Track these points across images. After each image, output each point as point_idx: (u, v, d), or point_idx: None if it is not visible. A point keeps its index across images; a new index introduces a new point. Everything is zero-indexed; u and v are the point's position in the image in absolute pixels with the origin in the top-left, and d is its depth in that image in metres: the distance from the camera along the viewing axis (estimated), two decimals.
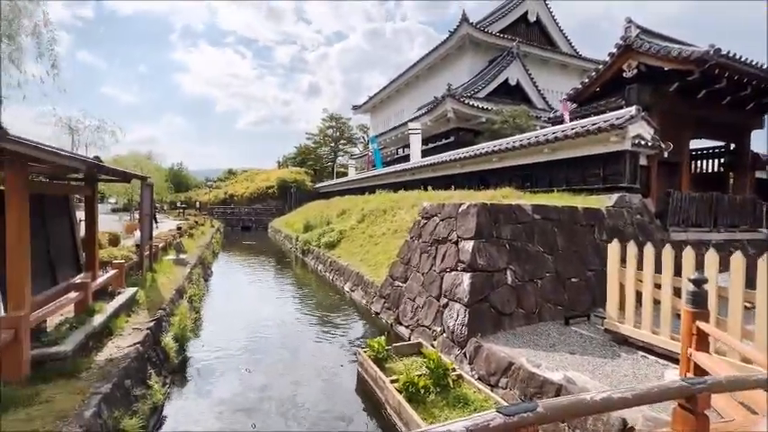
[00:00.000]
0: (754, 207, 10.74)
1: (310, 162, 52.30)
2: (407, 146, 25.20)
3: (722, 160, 13.73)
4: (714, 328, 4.41)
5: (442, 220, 8.12)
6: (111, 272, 7.15)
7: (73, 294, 5.47)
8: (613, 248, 5.94)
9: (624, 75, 10.92)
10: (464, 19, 23.34)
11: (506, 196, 10.17)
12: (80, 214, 7.37)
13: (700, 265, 4.91)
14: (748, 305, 4.59)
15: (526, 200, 8.94)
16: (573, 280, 7.50)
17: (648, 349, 5.46)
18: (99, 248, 7.46)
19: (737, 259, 4.61)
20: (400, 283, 8.81)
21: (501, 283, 6.76)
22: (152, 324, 6.13)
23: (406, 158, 25.20)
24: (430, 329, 7.01)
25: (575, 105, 13.08)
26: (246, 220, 41.60)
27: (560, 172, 10.82)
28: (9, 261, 3.99)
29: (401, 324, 8.07)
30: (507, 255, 7.05)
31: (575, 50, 28.34)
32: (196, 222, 24.84)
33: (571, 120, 12.37)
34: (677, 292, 5.23)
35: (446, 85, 21.37)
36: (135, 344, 5.25)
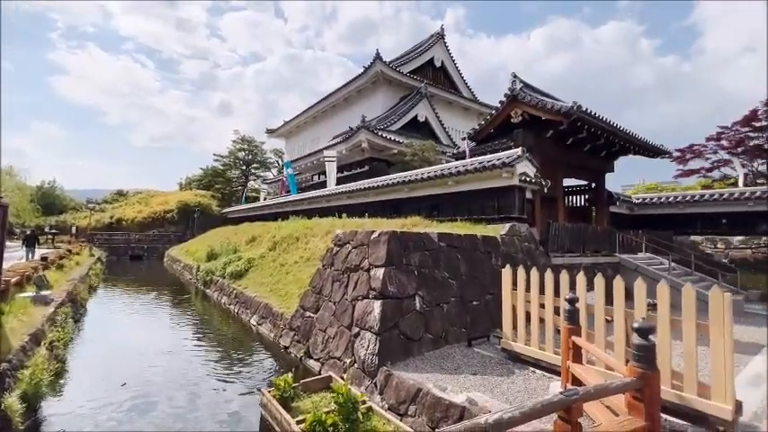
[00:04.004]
0: (610, 236, 13.05)
1: (218, 185, 48.72)
2: (323, 173, 25.19)
3: (586, 197, 16.53)
4: (584, 341, 5.10)
5: (355, 248, 8.15)
6: None
7: None
8: (506, 273, 6.58)
9: (512, 120, 12.61)
10: (377, 57, 24.78)
11: (416, 224, 10.69)
12: None
13: (574, 286, 5.71)
14: (608, 319, 5.39)
15: (433, 228, 9.50)
16: (474, 303, 8.07)
17: (537, 364, 6.06)
18: None
19: (599, 280, 5.46)
20: (311, 314, 8.48)
21: (410, 310, 6.95)
22: None
23: (322, 185, 25.10)
24: (341, 361, 6.81)
25: (474, 144, 14.59)
26: (137, 248, 36.58)
27: (463, 203, 11.82)
28: None
29: (311, 357, 7.71)
30: (416, 281, 7.31)
31: (473, 95, 31.96)
32: (69, 251, 20.98)
33: (471, 156, 13.72)
34: (559, 311, 5.96)
35: (361, 117, 22.15)
36: None
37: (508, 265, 6.64)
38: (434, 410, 4.91)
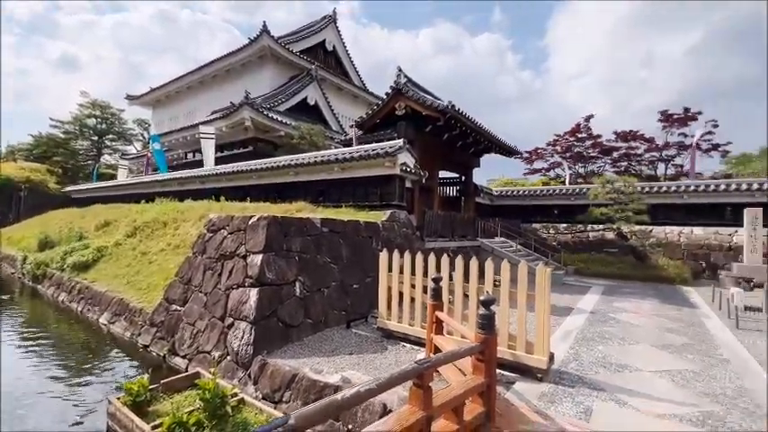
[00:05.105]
0: (474, 223, 15.01)
1: (58, 158, 39.38)
2: (199, 151, 22.61)
3: (458, 188, 18.58)
4: (445, 315, 5.77)
5: (231, 234, 7.59)
6: None
7: None
8: (383, 257, 6.98)
9: (396, 113, 13.24)
10: (264, 30, 23.09)
11: (300, 210, 10.50)
12: None
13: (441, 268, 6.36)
14: (467, 294, 6.19)
15: (319, 214, 9.46)
16: (355, 286, 8.37)
17: (407, 339, 6.63)
18: None
19: (459, 262, 6.21)
20: (178, 307, 7.65)
21: (290, 296, 6.84)
22: None
23: (197, 164, 22.53)
24: (211, 355, 6.35)
25: (361, 132, 14.90)
26: None
27: (349, 189, 12.03)
28: None
29: (177, 354, 6.98)
30: (297, 267, 7.21)
31: (363, 84, 32.47)
32: None
33: (358, 144, 14.01)
34: (427, 289, 6.59)
35: (244, 92, 20.46)
36: None
37: (385, 249, 7.04)
38: (309, 393, 4.98)
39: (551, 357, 5.51)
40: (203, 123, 22.23)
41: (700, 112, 26.40)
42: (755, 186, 15.39)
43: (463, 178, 18.05)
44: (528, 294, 5.36)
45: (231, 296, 6.71)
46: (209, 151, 20.77)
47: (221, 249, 7.55)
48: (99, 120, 42.60)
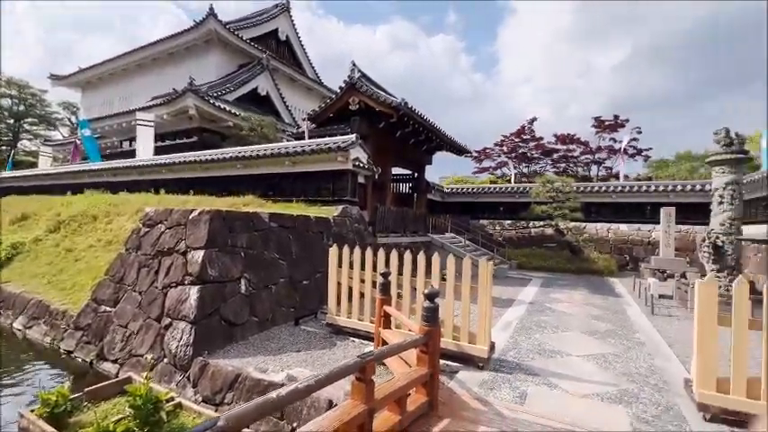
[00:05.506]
0: (425, 219, 15.40)
1: None
2: (136, 139, 20.89)
3: (410, 185, 18.90)
4: (393, 309, 5.86)
5: (169, 229, 7.12)
6: None
7: None
8: (333, 252, 6.92)
9: (350, 107, 13.14)
10: (211, 13, 21.81)
11: (248, 204, 10.09)
12: None
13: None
14: (416, 288, 6.30)
15: (268, 208, 9.15)
16: (304, 283, 8.23)
17: (356, 334, 6.64)
18: None
19: (407, 257, 6.32)
20: (108, 308, 7.04)
21: (234, 293, 6.57)
22: None
23: (134, 154, 20.84)
24: (145, 358, 5.92)
25: (314, 125, 14.61)
26: None
27: (299, 183, 11.77)
28: None
29: (107, 359, 6.44)
30: (242, 263, 6.93)
31: (318, 77, 31.80)
32: None
33: (310, 138, 13.72)
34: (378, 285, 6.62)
35: (189, 78, 19.19)
36: None
37: (335, 245, 6.98)
38: (252, 393, 4.82)
39: (492, 347, 5.80)
40: (141, 110, 20.57)
41: (627, 120, 29.01)
42: (670, 188, 17.29)
43: (416, 175, 18.37)
44: (471, 287, 5.59)
45: (169, 295, 6.31)
46: (147, 140, 19.28)
47: (159, 245, 7.05)
48: (16, 100, 37.91)
